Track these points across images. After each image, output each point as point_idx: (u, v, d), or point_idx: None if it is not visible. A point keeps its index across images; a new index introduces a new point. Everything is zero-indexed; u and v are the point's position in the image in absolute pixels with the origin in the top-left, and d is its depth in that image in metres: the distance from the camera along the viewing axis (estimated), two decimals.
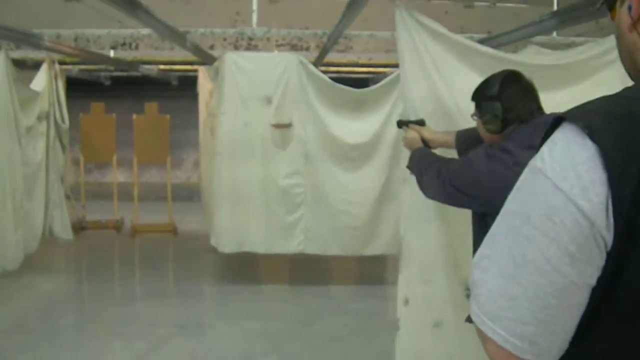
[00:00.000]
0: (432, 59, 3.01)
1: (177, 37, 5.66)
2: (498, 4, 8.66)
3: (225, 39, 8.39)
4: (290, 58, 6.14)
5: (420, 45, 3.00)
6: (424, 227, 3.36)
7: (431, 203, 3.00)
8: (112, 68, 9.90)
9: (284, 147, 6.17)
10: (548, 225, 0.90)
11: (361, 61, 9.61)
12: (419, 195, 2.81)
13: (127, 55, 8.92)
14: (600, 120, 0.90)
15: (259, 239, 6.23)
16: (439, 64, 3.00)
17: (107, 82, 11.23)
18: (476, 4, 8.73)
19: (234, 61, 6.10)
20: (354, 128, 6.20)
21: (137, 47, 8.60)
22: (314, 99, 6.14)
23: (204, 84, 7.44)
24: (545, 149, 0.96)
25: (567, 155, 0.91)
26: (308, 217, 6.27)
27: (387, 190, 6.15)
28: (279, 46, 8.40)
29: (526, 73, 2.58)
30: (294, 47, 8.52)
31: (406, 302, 3.45)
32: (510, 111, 2.43)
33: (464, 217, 2.71)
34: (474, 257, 1.01)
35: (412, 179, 2.90)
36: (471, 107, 2.75)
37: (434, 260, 3.38)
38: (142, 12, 4.29)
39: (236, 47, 8.45)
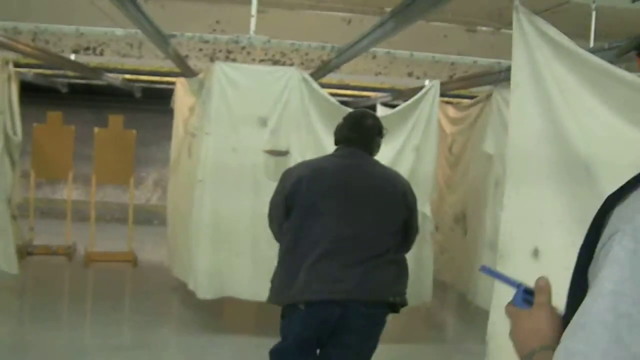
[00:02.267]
0: (556, 82, 2.16)
1: (160, 40, 4.73)
2: (503, 30, 7.94)
3: (201, 50, 7.50)
4: (291, 73, 5.26)
5: (542, 61, 2.17)
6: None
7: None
8: (71, 74, 8.84)
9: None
10: None
11: (352, 83, 8.77)
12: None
13: (90, 60, 7.92)
14: None
15: (244, 283, 5.26)
16: (564, 90, 2.16)
17: (65, 90, 10.11)
18: (479, 28, 7.99)
19: (224, 73, 5.18)
20: None
21: (102, 53, 7.59)
22: (316, 123, 5.26)
23: (183, 98, 6.46)
24: None
25: None
26: None
27: None
28: (261, 61, 7.51)
29: None
30: (276, 63, 7.64)
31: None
32: (337, 134, 3.37)
33: None
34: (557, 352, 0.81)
35: None
36: (604, 153, 1.93)
37: None
38: (131, 4, 3.37)
39: (212, 59, 7.54)
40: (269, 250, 5.27)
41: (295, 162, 5.23)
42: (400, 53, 5.28)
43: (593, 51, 4.38)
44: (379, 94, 9.42)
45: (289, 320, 3.08)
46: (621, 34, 6.03)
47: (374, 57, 6.26)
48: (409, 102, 5.40)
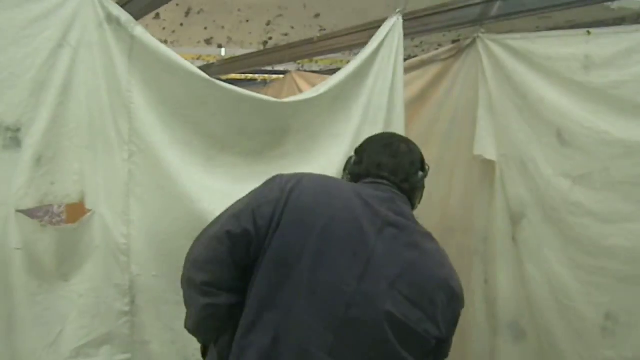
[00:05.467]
0: None
1: None
2: None
3: None
4: None
5: None
6: None
7: None
8: None
9: (61, 268, 2.06)
10: None
11: None
12: None
13: None
14: None
15: None
16: None
17: None
18: None
19: None
20: None
21: None
22: (153, 128, 2.10)
23: None
24: None
25: None
26: None
27: None
28: None
29: None
30: None
31: None
32: (352, 166, 2.09)
33: None
34: None
35: None
36: None
37: None
38: None
39: None
40: None
41: (106, 227, 2.15)
42: None
43: None
44: None
45: None
46: None
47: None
48: (354, 64, 2.46)
